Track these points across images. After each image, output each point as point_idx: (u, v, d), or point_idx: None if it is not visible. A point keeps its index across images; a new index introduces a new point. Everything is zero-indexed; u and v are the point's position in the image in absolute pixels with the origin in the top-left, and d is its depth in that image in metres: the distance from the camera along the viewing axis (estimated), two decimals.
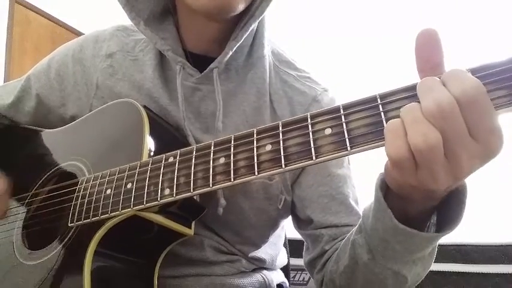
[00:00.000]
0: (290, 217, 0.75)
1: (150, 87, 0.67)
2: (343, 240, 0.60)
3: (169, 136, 0.64)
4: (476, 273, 1.40)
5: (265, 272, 0.75)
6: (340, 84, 0.75)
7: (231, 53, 0.64)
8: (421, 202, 0.43)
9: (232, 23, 0.65)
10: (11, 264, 0.59)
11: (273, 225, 0.72)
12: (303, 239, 0.72)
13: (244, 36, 0.64)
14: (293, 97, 0.69)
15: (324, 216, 0.66)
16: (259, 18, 0.63)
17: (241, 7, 0.59)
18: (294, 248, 0.97)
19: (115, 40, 0.73)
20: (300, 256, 0.74)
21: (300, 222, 0.70)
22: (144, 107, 0.62)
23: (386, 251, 0.48)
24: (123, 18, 0.69)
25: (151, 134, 0.58)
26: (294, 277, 1.52)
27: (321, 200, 0.66)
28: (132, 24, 0.74)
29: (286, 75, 0.71)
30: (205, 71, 0.65)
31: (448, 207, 0.43)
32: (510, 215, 1.99)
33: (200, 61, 0.67)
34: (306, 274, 1.53)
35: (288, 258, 0.90)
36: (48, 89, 0.75)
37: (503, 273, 1.38)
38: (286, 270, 0.89)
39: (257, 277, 0.72)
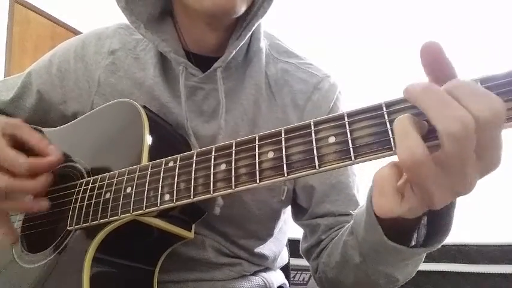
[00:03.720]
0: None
1: (151, 84, 0.67)
2: (338, 235, 0.61)
3: (169, 138, 0.63)
4: (476, 273, 1.40)
5: (265, 274, 0.75)
6: (344, 85, 0.74)
7: (234, 52, 0.64)
8: None
9: (231, 27, 0.65)
10: (8, 266, 0.59)
11: (276, 216, 0.72)
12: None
13: (248, 36, 0.64)
14: (294, 85, 0.70)
15: (322, 204, 0.66)
16: (262, 18, 0.63)
17: (242, 9, 0.60)
18: (294, 248, 0.96)
19: (117, 37, 0.73)
20: (300, 256, 0.74)
21: (298, 212, 0.71)
22: (144, 107, 0.61)
23: (377, 258, 0.49)
24: (123, 18, 0.68)
25: (151, 136, 0.57)
26: (294, 277, 1.52)
27: (320, 188, 0.67)
28: None
29: (287, 64, 0.72)
30: (208, 71, 0.65)
31: (437, 214, 0.42)
32: (510, 215, 1.98)
33: (201, 60, 0.67)
34: (306, 274, 1.53)
35: (288, 258, 0.90)
36: (49, 85, 0.74)
37: (503, 273, 1.38)
38: (286, 270, 0.89)
39: (257, 281, 0.72)
